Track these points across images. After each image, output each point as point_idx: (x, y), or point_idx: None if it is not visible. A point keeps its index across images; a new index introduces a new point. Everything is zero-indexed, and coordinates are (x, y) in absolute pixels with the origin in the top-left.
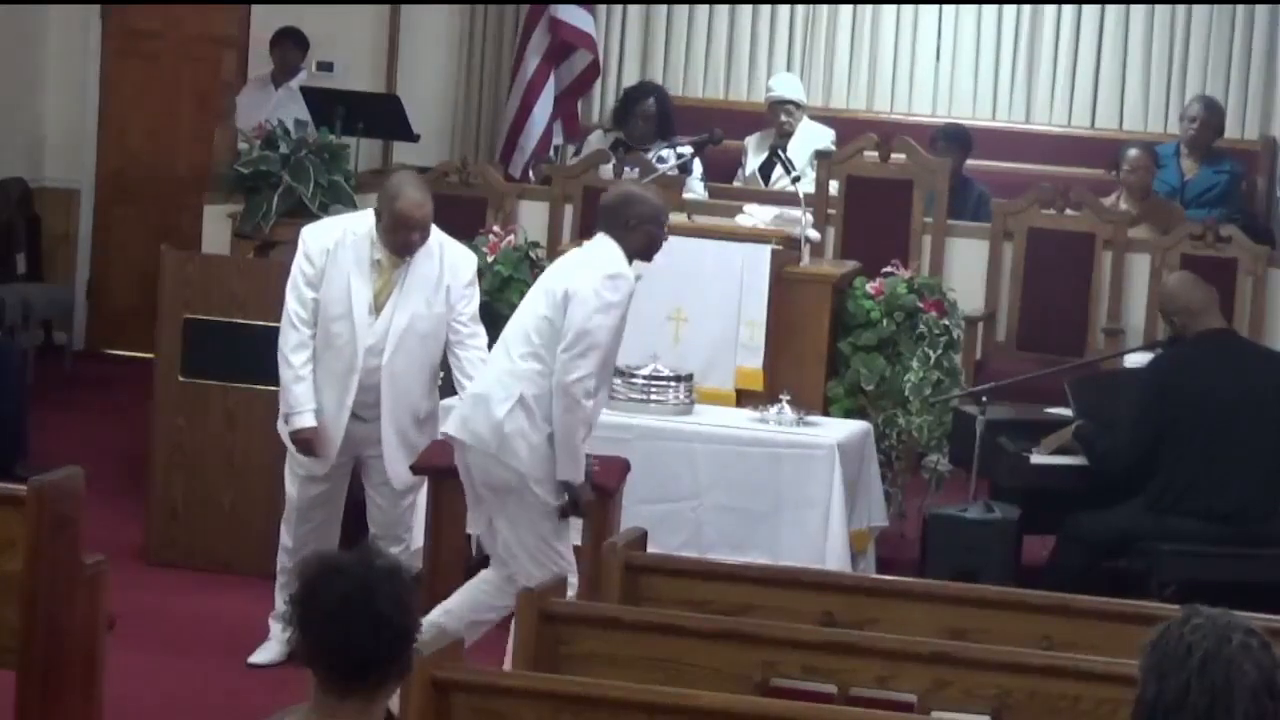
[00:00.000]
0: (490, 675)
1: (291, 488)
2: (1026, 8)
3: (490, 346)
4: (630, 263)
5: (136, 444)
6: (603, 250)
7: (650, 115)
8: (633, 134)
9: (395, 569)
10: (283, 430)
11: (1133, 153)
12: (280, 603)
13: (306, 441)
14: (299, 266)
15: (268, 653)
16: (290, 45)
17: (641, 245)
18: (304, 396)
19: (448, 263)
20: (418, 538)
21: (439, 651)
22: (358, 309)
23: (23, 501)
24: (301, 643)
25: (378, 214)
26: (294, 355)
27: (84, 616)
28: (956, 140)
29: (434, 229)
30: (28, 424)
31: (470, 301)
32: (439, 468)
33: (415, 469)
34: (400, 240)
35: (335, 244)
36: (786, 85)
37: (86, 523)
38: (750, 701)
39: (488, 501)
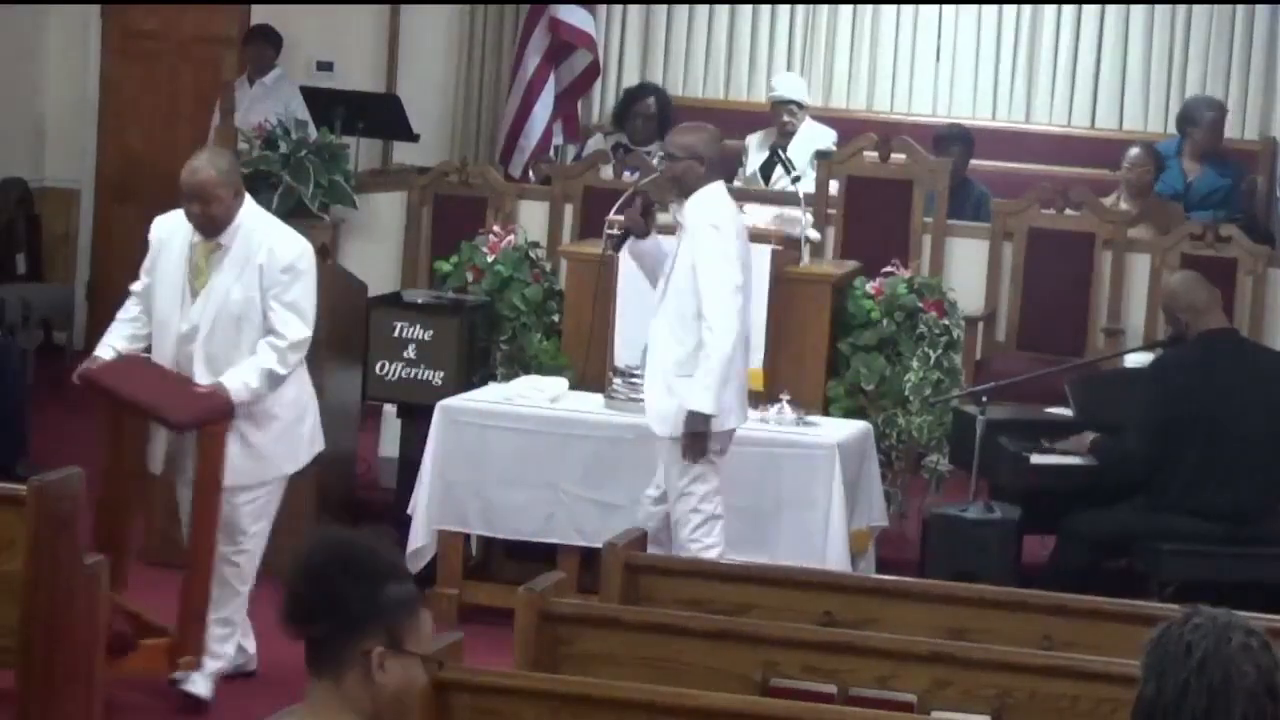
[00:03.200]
0: (490, 675)
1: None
2: (1026, 8)
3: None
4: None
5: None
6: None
7: (650, 114)
8: (633, 134)
9: (358, 544)
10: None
11: (1134, 151)
12: None
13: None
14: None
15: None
16: (262, 43)
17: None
18: (105, 337)
19: (266, 245)
20: (419, 536)
21: (438, 651)
22: (173, 290)
23: (23, 501)
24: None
25: None
26: (116, 321)
27: (84, 616)
28: (960, 141)
29: (264, 214)
30: (28, 424)
31: (286, 288)
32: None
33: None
34: (185, 210)
35: (169, 228)
36: (789, 85)
37: (86, 523)
38: (750, 701)
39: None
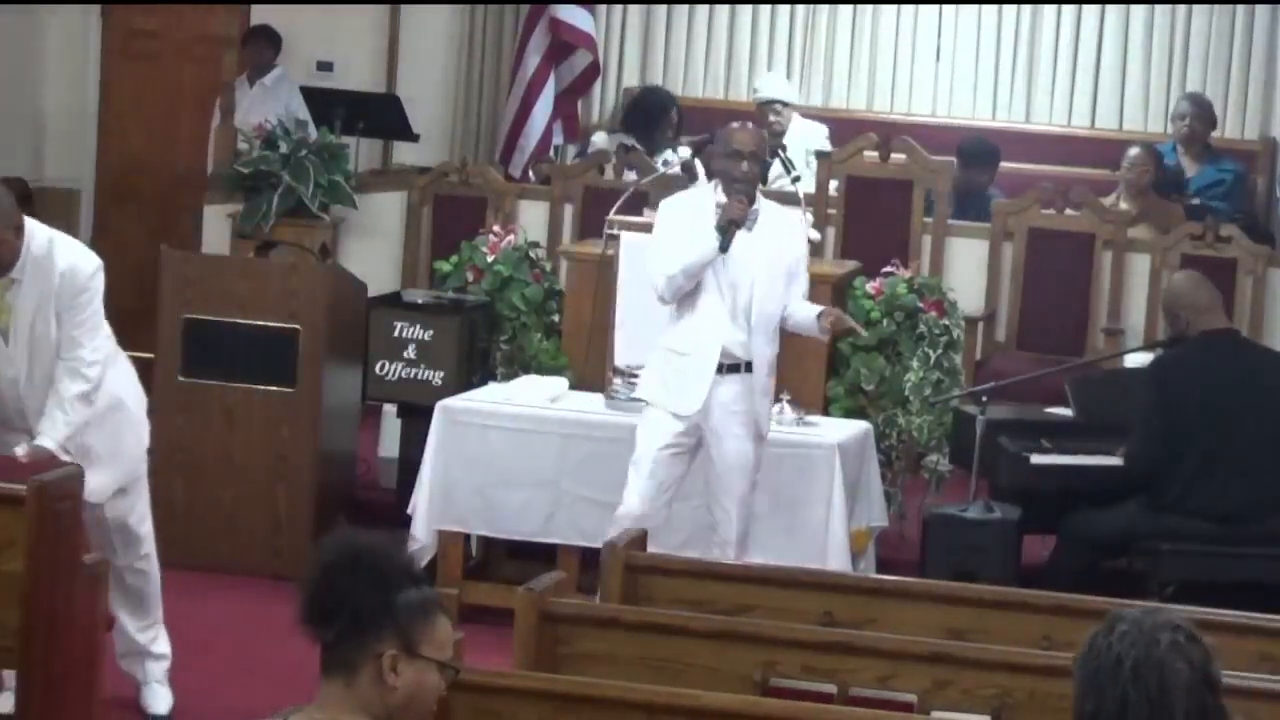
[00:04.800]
0: (490, 675)
1: None
2: (1026, 8)
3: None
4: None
5: None
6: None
7: (674, 124)
8: (654, 141)
9: (373, 547)
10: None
11: (1133, 151)
12: None
13: None
14: None
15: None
16: (262, 43)
17: (718, 174)
18: None
19: (58, 268)
20: (419, 536)
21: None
22: None
23: (23, 501)
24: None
25: None
26: None
27: (84, 616)
28: (993, 160)
29: (48, 233)
30: None
31: (82, 309)
32: None
33: None
34: None
35: None
36: (771, 85)
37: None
38: (750, 701)
39: None
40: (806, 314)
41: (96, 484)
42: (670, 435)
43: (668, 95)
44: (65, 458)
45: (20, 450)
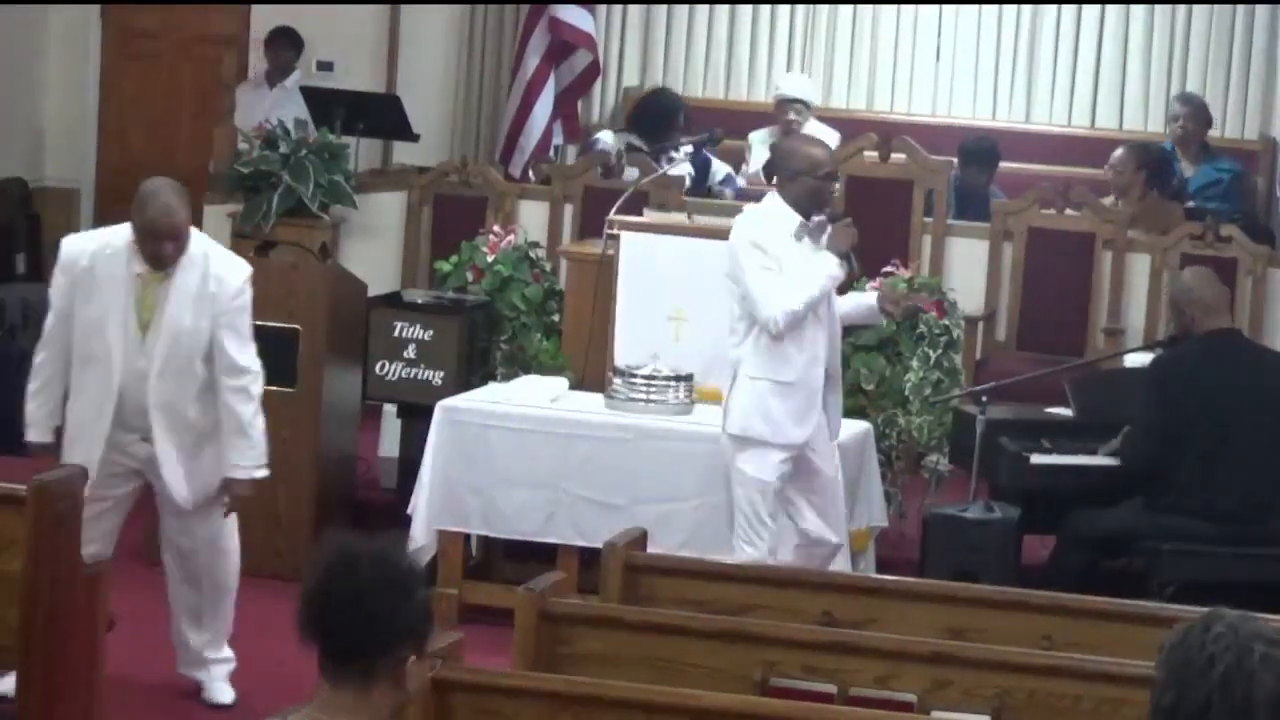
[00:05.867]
0: (490, 675)
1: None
2: (1026, 8)
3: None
4: (807, 215)
5: None
6: (761, 203)
7: (681, 128)
8: (659, 143)
9: (389, 558)
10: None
11: (1116, 153)
12: None
13: (40, 457)
14: (54, 279)
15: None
16: (284, 45)
17: (801, 196)
18: (34, 415)
19: (213, 272)
20: (419, 536)
21: (438, 651)
22: (114, 326)
23: (23, 501)
24: (299, 617)
25: (133, 225)
26: (32, 374)
27: (84, 616)
28: (993, 158)
29: (203, 237)
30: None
31: (238, 315)
32: None
33: None
34: (151, 251)
35: (92, 256)
36: (795, 84)
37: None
38: (750, 701)
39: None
40: (857, 303)
41: (187, 490)
42: (778, 468)
43: (676, 98)
44: (264, 474)
45: (159, 423)
